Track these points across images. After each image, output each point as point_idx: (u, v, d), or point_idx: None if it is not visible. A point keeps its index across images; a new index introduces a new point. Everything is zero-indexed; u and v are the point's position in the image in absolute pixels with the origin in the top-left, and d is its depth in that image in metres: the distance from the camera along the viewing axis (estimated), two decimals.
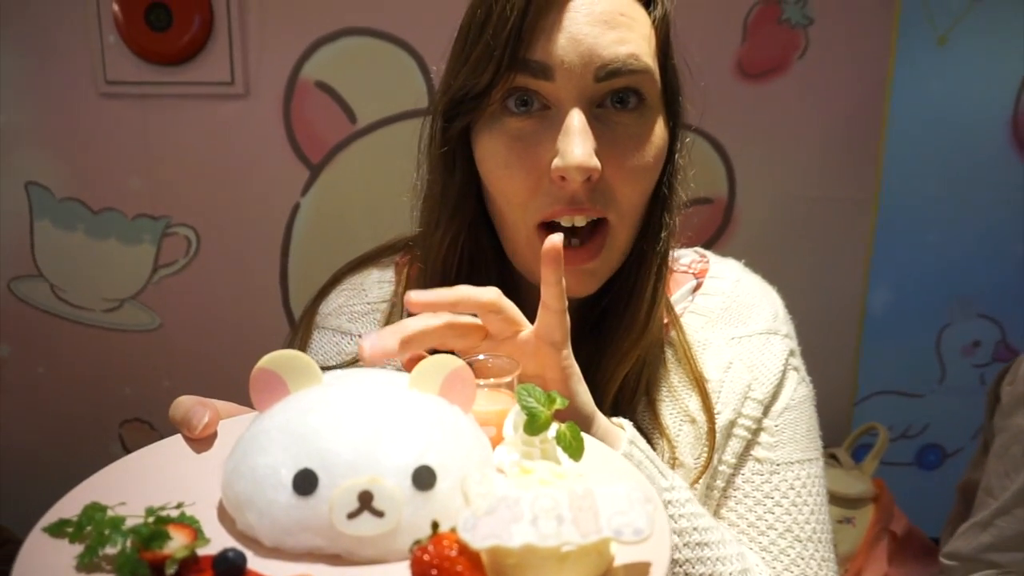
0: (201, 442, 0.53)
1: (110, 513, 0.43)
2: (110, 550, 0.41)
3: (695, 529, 0.63)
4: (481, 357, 0.59)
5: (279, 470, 0.44)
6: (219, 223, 1.86)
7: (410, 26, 1.74)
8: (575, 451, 0.50)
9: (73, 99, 1.77)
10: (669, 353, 0.77)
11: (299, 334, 0.87)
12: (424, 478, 0.44)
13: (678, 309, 0.80)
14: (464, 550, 0.39)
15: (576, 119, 0.65)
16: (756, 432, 0.76)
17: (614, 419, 0.66)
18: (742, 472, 0.75)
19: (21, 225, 1.85)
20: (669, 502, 0.62)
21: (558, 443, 0.51)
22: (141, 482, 0.49)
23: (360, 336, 0.81)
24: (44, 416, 1.96)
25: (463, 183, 0.73)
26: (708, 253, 0.88)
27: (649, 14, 0.69)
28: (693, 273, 0.84)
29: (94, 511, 0.43)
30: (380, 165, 1.78)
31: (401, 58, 1.76)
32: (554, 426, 0.51)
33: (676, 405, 0.74)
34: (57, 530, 0.42)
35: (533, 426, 0.50)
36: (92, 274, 1.89)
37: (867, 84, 1.83)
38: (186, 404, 0.54)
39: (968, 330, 2.00)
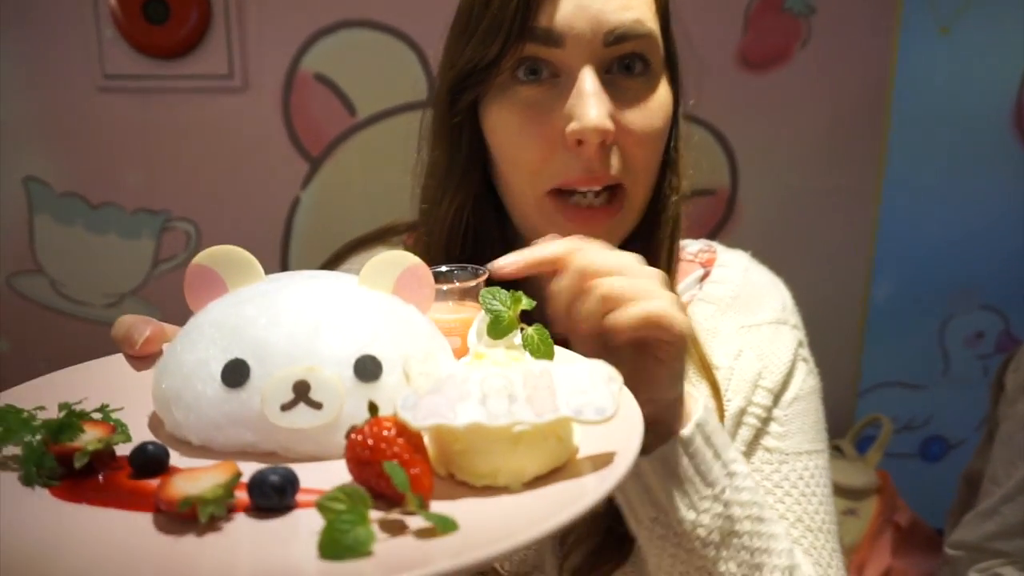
0: (142, 360, 0.50)
1: (25, 416, 0.39)
2: (15, 450, 0.38)
3: (755, 503, 0.63)
4: (445, 268, 0.55)
5: (208, 363, 0.40)
6: (219, 217, 1.85)
7: (409, 18, 1.73)
8: (544, 355, 0.47)
9: (71, 93, 1.76)
10: None
11: None
12: (368, 368, 0.40)
13: (685, 298, 0.80)
14: (403, 431, 0.35)
15: (589, 82, 0.66)
16: (766, 421, 0.76)
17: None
18: (751, 461, 0.74)
19: (20, 220, 1.84)
20: (735, 473, 0.62)
21: (525, 346, 0.47)
22: (68, 392, 0.45)
23: None
24: None
25: (469, 156, 0.73)
26: (715, 244, 0.87)
27: None
28: (700, 263, 0.84)
29: (6, 412, 0.39)
30: (380, 157, 1.77)
31: (400, 50, 1.75)
32: (520, 330, 0.47)
33: None
34: None
35: (497, 328, 0.47)
36: (92, 269, 1.88)
37: (870, 74, 1.82)
38: (129, 320, 0.52)
39: (971, 321, 1.99)
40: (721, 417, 0.73)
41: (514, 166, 0.71)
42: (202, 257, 0.46)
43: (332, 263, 0.88)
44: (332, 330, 0.41)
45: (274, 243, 1.86)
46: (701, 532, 0.61)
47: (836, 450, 1.79)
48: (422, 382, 0.37)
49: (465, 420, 0.35)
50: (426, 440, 0.37)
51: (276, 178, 1.83)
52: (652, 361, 0.56)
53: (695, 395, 0.64)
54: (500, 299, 0.47)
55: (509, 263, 0.55)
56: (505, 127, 0.70)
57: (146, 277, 1.88)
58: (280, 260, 1.88)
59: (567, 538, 0.71)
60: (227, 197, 1.84)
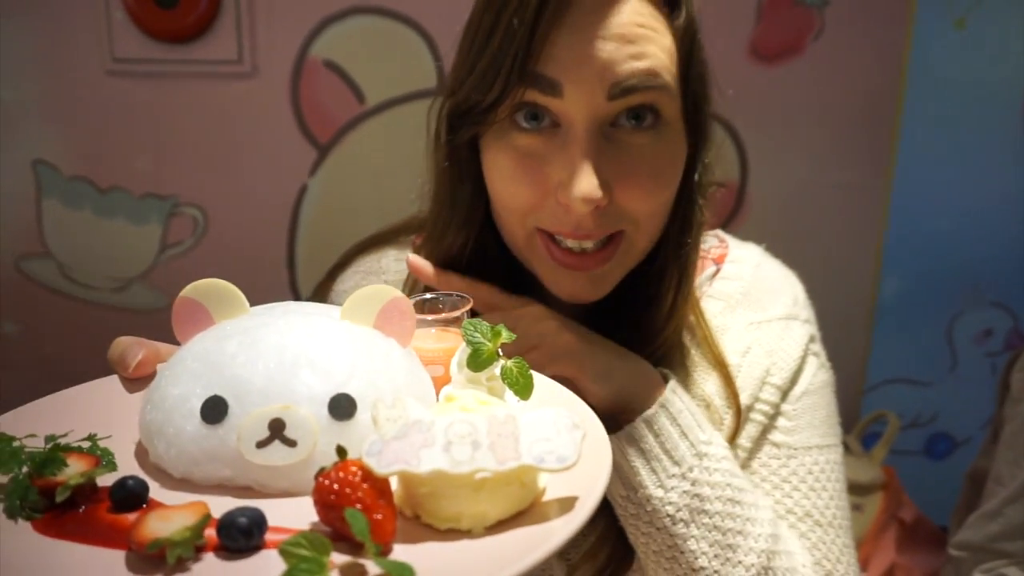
0: (135, 382, 0.51)
1: (15, 445, 0.41)
2: (1, 479, 0.39)
3: (728, 485, 0.64)
4: (429, 296, 0.56)
5: (189, 399, 0.42)
6: (226, 203, 1.85)
7: (420, 5, 1.72)
8: (523, 389, 0.47)
9: (80, 77, 1.76)
10: (687, 337, 0.76)
11: None
12: (342, 407, 0.41)
13: (696, 295, 0.79)
14: (368, 476, 0.36)
15: (583, 147, 0.62)
16: (773, 417, 0.75)
17: (659, 369, 0.68)
18: (758, 456, 0.74)
19: (29, 203, 1.85)
20: (705, 455, 0.64)
21: (504, 379, 0.47)
22: (61, 418, 0.47)
23: None
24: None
25: (472, 193, 0.71)
26: (728, 237, 0.86)
27: (671, 23, 0.64)
28: (712, 259, 0.82)
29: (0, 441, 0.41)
30: (389, 146, 1.77)
31: (410, 37, 1.74)
32: (500, 363, 0.48)
33: (691, 389, 0.73)
34: None
35: (476, 361, 0.47)
36: (99, 253, 1.89)
37: (883, 67, 1.80)
38: (123, 343, 0.53)
39: (980, 318, 1.98)
40: (736, 411, 0.73)
41: (505, 208, 0.68)
42: (189, 290, 0.47)
43: (342, 265, 0.87)
44: (309, 368, 0.42)
45: (281, 229, 1.86)
46: (669, 509, 0.63)
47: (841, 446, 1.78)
48: (388, 427, 0.38)
49: (428, 467, 0.36)
50: (394, 482, 0.38)
51: (284, 164, 1.83)
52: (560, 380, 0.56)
53: (662, 378, 0.66)
54: (481, 331, 0.48)
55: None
56: (500, 171, 0.67)
57: (153, 262, 1.88)
58: (287, 247, 1.88)
59: (570, 553, 0.71)
60: (235, 183, 1.83)
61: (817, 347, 0.81)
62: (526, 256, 0.71)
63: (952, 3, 1.78)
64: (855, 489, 1.64)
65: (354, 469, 0.36)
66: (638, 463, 0.63)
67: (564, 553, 0.71)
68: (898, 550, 1.58)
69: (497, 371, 0.48)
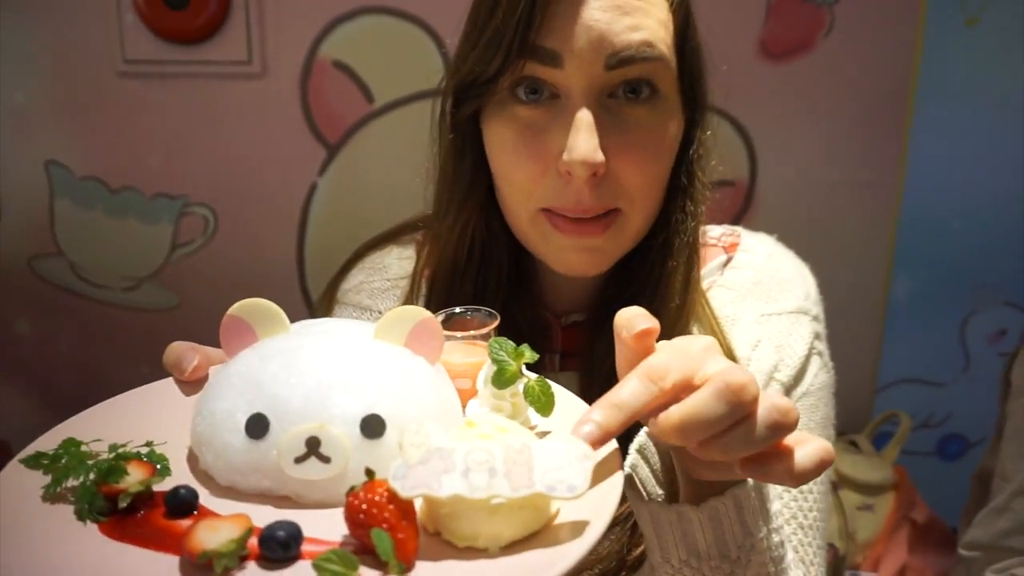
0: (190, 385, 0.55)
1: (84, 449, 0.45)
2: (73, 482, 0.44)
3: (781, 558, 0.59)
4: (458, 310, 0.59)
5: (235, 414, 0.46)
6: (236, 203, 1.86)
7: (428, 5, 1.72)
8: (544, 406, 0.50)
9: (92, 78, 1.77)
10: (695, 328, 0.76)
11: (320, 311, 0.88)
12: (372, 427, 0.45)
13: (706, 283, 0.79)
14: (394, 498, 0.40)
15: (584, 111, 0.64)
16: None
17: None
18: None
19: (42, 204, 1.86)
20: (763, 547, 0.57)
21: (526, 397, 0.50)
22: (122, 421, 0.51)
23: (380, 313, 0.81)
24: (63, 393, 1.99)
25: (473, 168, 0.73)
26: (739, 228, 0.86)
27: None
28: (723, 247, 0.82)
29: (69, 445, 0.45)
30: (398, 145, 1.77)
31: (419, 37, 1.74)
32: (523, 380, 0.51)
33: None
34: (33, 462, 0.45)
35: (501, 379, 0.50)
36: (111, 253, 1.90)
37: (894, 65, 1.79)
38: (178, 349, 0.55)
39: (993, 318, 1.96)
40: None
41: (507, 182, 0.70)
42: (235, 309, 0.50)
43: (351, 263, 0.89)
44: (342, 390, 0.46)
45: (291, 229, 1.87)
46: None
47: (852, 445, 1.77)
48: (412, 453, 0.41)
49: (448, 491, 0.40)
50: (418, 501, 0.42)
51: (293, 164, 1.83)
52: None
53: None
54: (507, 350, 0.51)
55: (603, 424, 0.44)
56: (501, 145, 0.69)
57: (164, 261, 1.89)
58: (296, 246, 1.88)
59: None
60: (245, 183, 1.84)
61: (822, 346, 0.81)
62: (530, 237, 0.72)
63: (964, 1, 1.77)
64: (867, 489, 1.64)
65: (380, 490, 0.40)
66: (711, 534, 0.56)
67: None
68: (910, 551, 1.57)
69: (520, 389, 0.51)
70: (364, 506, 0.40)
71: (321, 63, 1.77)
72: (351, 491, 0.41)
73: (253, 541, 0.40)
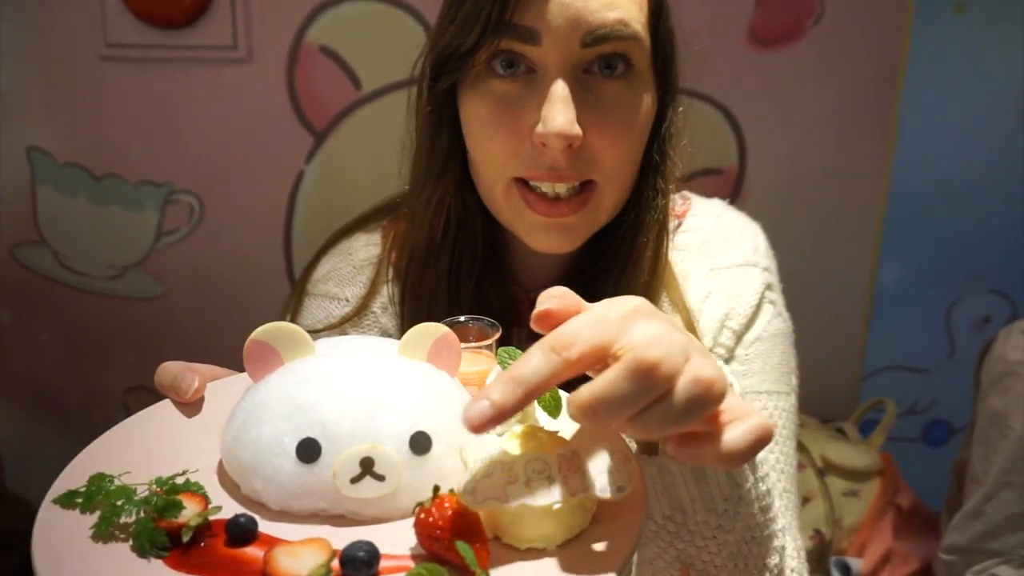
0: (190, 406, 0.55)
1: (116, 483, 0.46)
2: (124, 519, 0.44)
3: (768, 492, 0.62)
4: (462, 319, 0.60)
5: (281, 439, 0.47)
6: (222, 190, 1.84)
7: None
8: (553, 409, 0.52)
9: (74, 62, 1.74)
10: (664, 299, 0.78)
11: (292, 302, 0.88)
12: (420, 443, 0.47)
13: None
14: (463, 511, 0.43)
15: (560, 85, 0.65)
16: (728, 361, 0.77)
17: None
18: None
19: (23, 191, 1.84)
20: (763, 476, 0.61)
21: (537, 402, 0.52)
22: (139, 449, 0.51)
23: (347, 300, 0.81)
24: (47, 384, 1.97)
25: (449, 143, 0.74)
26: (692, 195, 0.88)
27: None
28: (675, 215, 0.84)
29: (101, 481, 0.46)
30: (385, 132, 1.73)
31: (406, 23, 1.73)
32: None
33: None
34: (67, 501, 0.45)
35: None
36: (95, 241, 1.88)
37: (883, 53, 1.79)
38: (173, 370, 0.55)
39: (979, 305, 1.98)
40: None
41: (483, 156, 0.71)
42: (259, 333, 0.51)
43: (321, 252, 0.89)
44: (387, 410, 0.48)
45: (277, 216, 1.85)
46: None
47: (839, 432, 1.78)
48: (477, 468, 0.45)
49: (516, 502, 0.43)
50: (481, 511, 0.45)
51: (280, 151, 1.82)
52: None
53: None
54: (515, 358, 0.51)
55: (499, 403, 0.41)
56: (476, 118, 0.70)
57: (149, 249, 1.87)
58: (283, 233, 1.87)
59: None
60: (231, 170, 1.82)
61: (775, 295, 0.83)
62: (503, 210, 0.73)
63: None
64: (853, 475, 1.65)
65: (447, 504, 0.43)
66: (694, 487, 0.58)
67: None
68: (895, 536, 1.59)
69: None
70: (440, 521, 0.42)
71: (307, 49, 1.75)
72: (420, 506, 0.43)
73: (335, 563, 0.42)
